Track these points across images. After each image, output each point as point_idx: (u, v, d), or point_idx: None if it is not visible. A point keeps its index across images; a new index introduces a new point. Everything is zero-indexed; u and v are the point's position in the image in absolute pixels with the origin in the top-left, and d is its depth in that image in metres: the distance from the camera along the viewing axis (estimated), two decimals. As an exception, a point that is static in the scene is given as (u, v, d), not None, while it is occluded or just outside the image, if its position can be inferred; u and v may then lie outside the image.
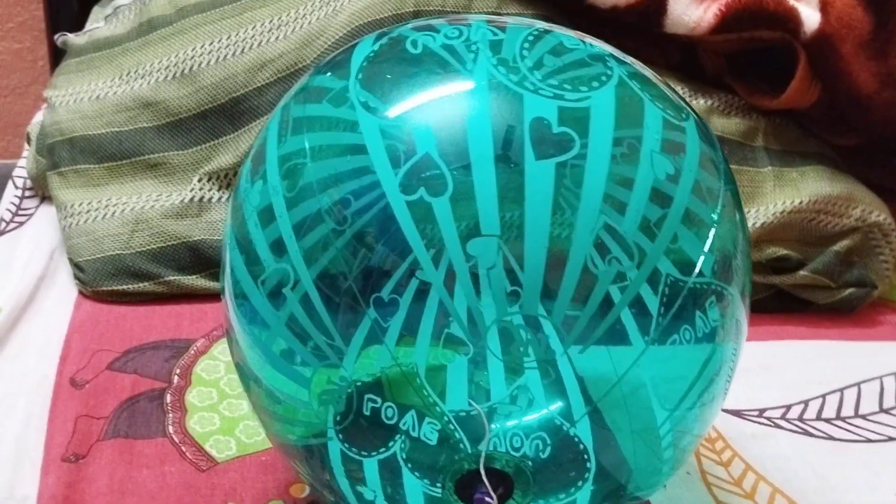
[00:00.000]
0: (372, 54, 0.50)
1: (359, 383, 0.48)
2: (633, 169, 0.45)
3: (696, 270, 0.48)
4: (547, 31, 0.50)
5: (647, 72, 0.51)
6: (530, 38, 0.48)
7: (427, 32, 0.50)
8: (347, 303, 0.47)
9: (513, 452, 0.48)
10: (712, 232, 0.49)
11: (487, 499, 0.45)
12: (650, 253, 0.45)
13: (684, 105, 0.51)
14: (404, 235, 0.44)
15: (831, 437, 0.72)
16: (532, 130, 0.44)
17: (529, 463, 0.47)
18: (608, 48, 0.51)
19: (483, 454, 0.46)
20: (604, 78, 0.47)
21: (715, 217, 0.49)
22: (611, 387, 0.48)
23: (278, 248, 0.48)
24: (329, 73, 0.52)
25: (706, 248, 0.48)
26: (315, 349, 0.47)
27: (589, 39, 0.51)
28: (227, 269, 0.52)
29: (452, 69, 0.47)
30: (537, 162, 0.44)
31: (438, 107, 0.47)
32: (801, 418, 0.74)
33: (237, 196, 0.53)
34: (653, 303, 0.47)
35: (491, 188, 0.43)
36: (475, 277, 0.44)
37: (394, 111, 0.47)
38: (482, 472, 0.45)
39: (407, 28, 0.52)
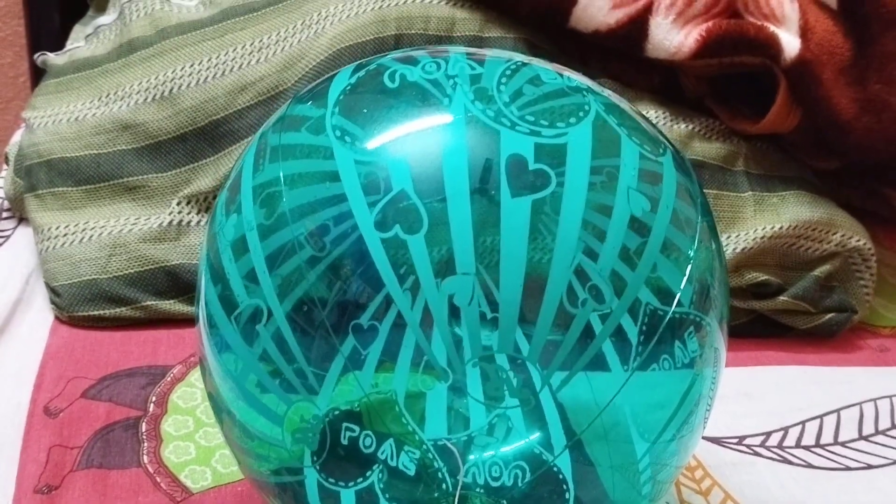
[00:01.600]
0: (349, 86, 0.50)
1: (336, 412, 0.47)
2: (611, 201, 0.45)
3: (676, 300, 0.48)
4: (525, 64, 0.50)
5: (625, 104, 0.51)
6: (508, 71, 0.48)
7: (406, 64, 0.49)
8: (323, 333, 0.46)
9: (491, 482, 0.47)
10: (690, 264, 0.49)
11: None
12: (631, 282, 0.45)
13: (661, 138, 0.51)
14: (377, 273, 0.44)
15: (811, 465, 0.72)
16: (508, 167, 0.44)
17: (518, 485, 0.46)
18: (586, 81, 0.51)
19: (458, 492, 0.45)
20: (581, 113, 0.47)
21: (692, 247, 0.49)
22: (593, 419, 0.48)
23: (252, 280, 0.47)
24: (308, 103, 0.52)
25: (685, 279, 0.48)
26: (287, 386, 0.46)
27: (567, 72, 0.51)
28: (202, 299, 0.52)
29: (430, 103, 0.47)
30: (513, 199, 0.43)
31: (415, 140, 0.46)
32: (780, 446, 0.74)
33: (213, 226, 0.52)
34: (632, 331, 0.47)
35: (466, 225, 0.43)
36: (453, 307, 0.44)
37: (370, 144, 0.47)
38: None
39: (387, 59, 0.51)
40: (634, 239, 0.45)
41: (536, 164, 0.44)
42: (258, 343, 0.47)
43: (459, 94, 0.46)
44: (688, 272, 0.49)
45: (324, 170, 0.47)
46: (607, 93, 0.51)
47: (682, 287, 0.48)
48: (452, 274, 0.43)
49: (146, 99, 0.87)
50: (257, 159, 0.51)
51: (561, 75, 0.50)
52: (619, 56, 0.92)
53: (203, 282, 0.52)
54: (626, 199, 0.45)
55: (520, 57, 0.51)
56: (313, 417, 0.46)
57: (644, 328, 0.47)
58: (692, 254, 0.48)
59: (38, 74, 1.13)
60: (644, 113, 0.74)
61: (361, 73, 0.50)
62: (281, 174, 0.49)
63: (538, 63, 0.51)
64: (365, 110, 0.48)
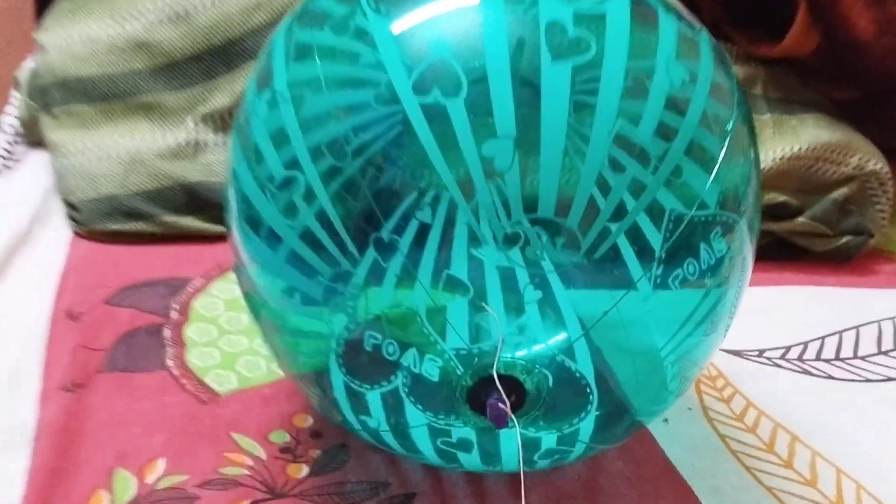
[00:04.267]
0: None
1: (360, 320, 0.47)
2: (649, 77, 0.45)
3: (705, 202, 0.47)
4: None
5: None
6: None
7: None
8: (356, 232, 0.46)
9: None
10: (722, 152, 0.48)
11: (501, 405, 0.45)
12: (667, 157, 0.44)
13: (695, 20, 0.51)
14: (420, 147, 0.43)
15: (831, 377, 0.72)
16: (547, 33, 0.43)
17: (546, 372, 0.46)
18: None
19: (497, 357, 0.45)
20: (619, -14, 0.46)
21: (728, 132, 0.48)
22: (606, 311, 0.47)
23: (291, 164, 0.47)
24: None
25: (712, 178, 0.48)
26: (329, 261, 0.46)
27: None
28: (233, 193, 0.51)
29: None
30: (553, 64, 0.43)
31: (453, 15, 0.46)
32: (800, 358, 0.74)
33: (242, 113, 0.51)
34: (656, 240, 0.46)
35: (506, 90, 0.43)
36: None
37: (407, 20, 0.46)
38: (496, 376, 0.45)
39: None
40: (672, 118, 0.45)
41: (576, 31, 0.43)
42: (298, 219, 0.46)
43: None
44: (718, 163, 0.48)
45: (362, 65, 0.46)
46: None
47: (709, 184, 0.48)
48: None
49: (160, 18, 0.87)
50: (289, 53, 0.50)
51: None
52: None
53: (235, 173, 0.51)
54: (665, 70, 0.45)
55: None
56: (353, 286, 0.46)
57: (668, 234, 0.47)
58: (729, 129, 0.48)
59: (41, 5, 1.12)
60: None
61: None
62: (320, 73, 0.47)
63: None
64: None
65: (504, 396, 0.45)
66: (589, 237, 0.44)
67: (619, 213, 0.44)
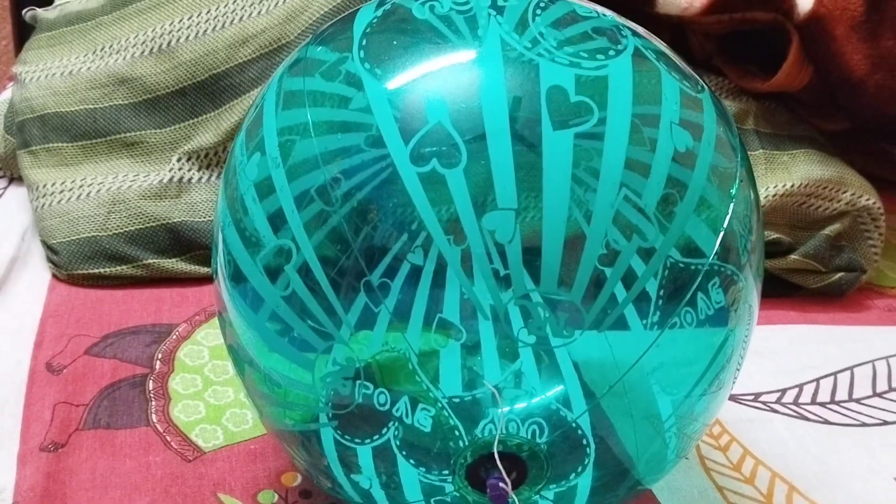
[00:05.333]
0: (375, 20, 0.48)
1: (361, 371, 0.45)
2: (653, 142, 0.43)
3: (707, 250, 0.46)
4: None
5: (658, 41, 0.49)
6: (541, 3, 0.46)
7: (431, -1, 0.47)
8: (348, 282, 0.45)
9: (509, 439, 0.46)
10: (728, 216, 0.47)
11: (502, 484, 0.43)
12: (673, 226, 0.43)
13: (697, 77, 0.49)
14: (413, 207, 0.42)
15: (827, 422, 0.71)
16: (549, 100, 0.42)
17: (543, 446, 0.45)
18: (619, 18, 0.49)
19: (497, 436, 0.44)
20: (619, 47, 0.45)
21: (732, 195, 0.47)
22: (616, 381, 0.46)
23: (277, 221, 0.45)
24: (329, 44, 0.49)
25: (723, 227, 0.47)
26: (318, 327, 0.45)
27: (600, 9, 0.49)
28: (220, 248, 0.50)
29: (463, 35, 0.45)
30: (555, 132, 0.42)
31: (449, 75, 0.44)
32: (796, 402, 0.74)
33: (230, 170, 0.50)
34: (652, 286, 0.45)
35: (507, 159, 0.41)
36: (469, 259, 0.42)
37: (401, 79, 0.45)
38: (496, 455, 0.43)
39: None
40: (678, 173, 0.43)
41: (578, 97, 0.42)
42: (285, 285, 0.45)
43: (493, 25, 0.44)
44: (727, 220, 0.47)
45: (352, 109, 0.45)
46: (641, 30, 0.49)
47: (719, 234, 0.47)
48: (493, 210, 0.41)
49: (143, 52, 0.85)
50: (278, 102, 0.49)
51: (596, 11, 0.48)
52: (627, 13, 0.90)
53: (221, 231, 0.50)
54: (669, 135, 0.44)
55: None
56: (346, 360, 0.44)
57: (664, 282, 0.46)
58: (733, 194, 0.47)
59: (21, 38, 1.10)
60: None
61: (388, 5, 0.48)
62: (308, 118, 0.46)
63: (569, -2, 0.49)
64: (395, 43, 0.46)
65: (505, 475, 0.43)
66: (593, 311, 0.42)
67: (627, 282, 0.43)
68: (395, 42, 0.46)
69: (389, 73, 0.45)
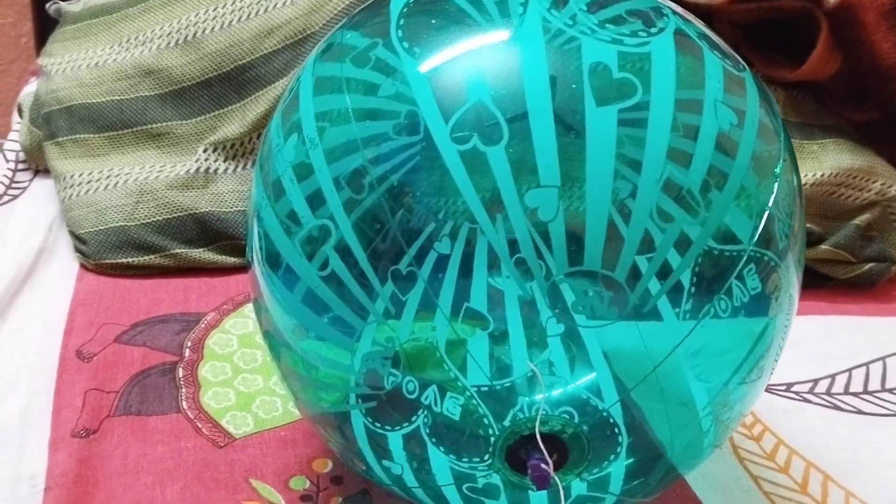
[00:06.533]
0: (412, 1, 0.47)
1: (401, 354, 0.45)
2: (697, 120, 0.43)
3: (744, 236, 0.46)
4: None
5: (700, 23, 0.49)
6: (580, -19, 0.46)
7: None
8: (377, 258, 0.44)
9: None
10: (772, 198, 0.46)
11: (543, 465, 0.43)
12: (715, 208, 0.42)
13: (738, 57, 0.49)
14: (455, 187, 0.41)
15: (860, 412, 0.71)
16: (591, 76, 0.42)
17: (585, 428, 0.44)
18: (657, -1, 0.49)
19: (539, 417, 0.43)
20: (661, 24, 0.44)
21: (777, 175, 0.46)
22: (647, 374, 0.46)
23: (316, 202, 0.45)
24: (366, 26, 0.49)
25: (767, 207, 0.46)
26: (358, 307, 0.44)
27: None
28: (256, 232, 0.49)
29: (502, 14, 0.44)
30: (598, 109, 0.41)
31: (489, 53, 0.44)
32: (829, 392, 0.73)
33: (265, 153, 0.50)
34: (685, 274, 0.45)
35: (550, 136, 0.41)
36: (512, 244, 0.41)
37: (441, 58, 0.44)
38: (538, 436, 0.43)
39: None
40: (721, 163, 0.43)
41: (621, 73, 0.42)
42: (325, 265, 0.44)
43: (535, 3, 0.44)
44: (771, 201, 0.46)
45: (384, 105, 0.44)
46: (680, 10, 0.49)
47: (751, 224, 0.46)
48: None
49: (168, 44, 0.85)
50: (316, 87, 0.48)
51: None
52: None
53: (257, 217, 0.49)
54: (713, 113, 0.43)
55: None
56: (386, 340, 0.44)
57: (697, 269, 0.45)
58: (777, 180, 0.46)
59: (42, 34, 1.10)
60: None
61: (424, -15, 0.48)
62: (348, 104, 0.46)
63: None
64: (433, 22, 0.46)
65: (547, 457, 0.43)
66: (637, 292, 0.42)
67: (665, 268, 0.42)
68: (433, 21, 0.46)
69: (428, 52, 0.44)
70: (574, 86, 0.41)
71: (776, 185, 0.46)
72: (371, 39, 0.47)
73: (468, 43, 0.44)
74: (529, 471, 0.43)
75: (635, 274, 0.42)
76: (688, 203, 0.42)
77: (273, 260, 0.48)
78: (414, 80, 0.43)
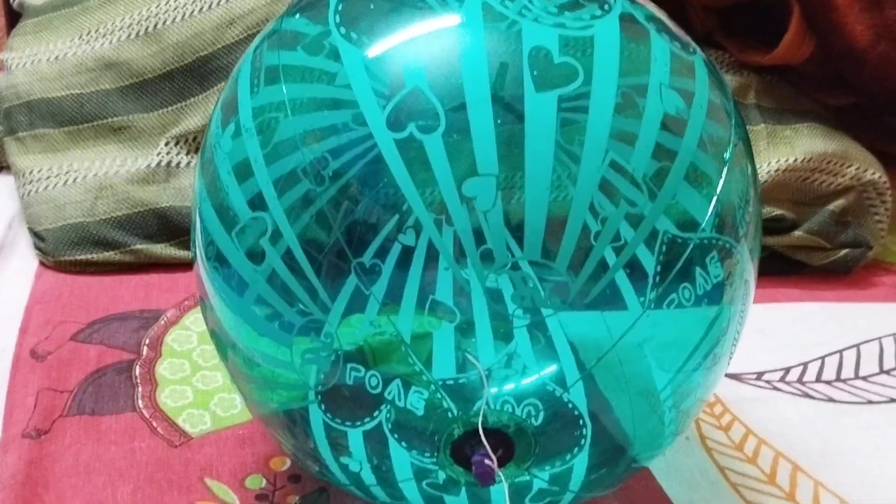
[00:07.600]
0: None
1: (340, 352, 0.44)
2: (641, 104, 0.41)
3: (700, 225, 0.45)
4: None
5: (653, 7, 0.48)
6: (525, -35, 0.44)
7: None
8: (331, 263, 0.43)
9: (504, 419, 0.44)
10: (721, 181, 0.45)
11: (487, 461, 0.42)
12: (662, 192, 0.41)
13: (690, 40, 0.48)
14: (393, 181, 0.40)
15: (832, 400, 0.70)
16: (531, 61, 0.40)
17: (532, 422, 0.43)
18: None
19: (482, 411, 0.42)
20: (606, 6, 0.43)
21: (726, 160, 0.45)
22: (605, 352, 0.45)
23: (256, 201, 0.44)
24: (306, 13, 0.48)
25: (714, 197, 0.45)
26: (298, 305, 0.43)
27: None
28: (198, 230, 0.48)
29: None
30: (538, 94, 0.40)
31: (428, 39, 0.43)
32: (800, 381, 0.72)
33: (206, 148, 0.48)
34: (649, 262, 0.44)
35: (488, 124, 0.40)
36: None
37: (379, 46, 0.43)
38: (481, 431, 0.42)
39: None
40: (667, 139, 0.42)
41: (562, 58, 0.40)
42: (264, 263, 0.43)
43: (474, -14, 0.43)
44: (720, 187, 0.45)
45: (327, 95, 0.43)
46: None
47: (708, 209, 0.45)
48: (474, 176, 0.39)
49: (129, 35, 0.83)
50: (254, 79, 0.47)
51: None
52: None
53: (199, 211, 0.48)
54: (658, 98, 0.42)
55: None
56: (325, 336, 0.43)
57: (662, 258, 0.44)
58: (726, 161, 0.45)
59: (11, 23, 1.08)
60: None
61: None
62: (285, 97, 0.44)
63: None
64: (371, 7, 0.44)
65: (490, 452, 0.42)
66: (580, 279, 0.41)
67: (615, 251, 0.41)
68: (372, 6, 0.44)
69: (366, 38, 0.43)
70: (514, 72, 0.40)
71: (725, 169, 0.45)
72: (321, 26, 0.45)
73: (408, 29, 0.43)
74: (473, 467, 0.42)
75: (579, 262, 0.41)
76: (636, 182, 0.41)
77: (216, 258, 0.47)
78: (351, 67, 0.42)
